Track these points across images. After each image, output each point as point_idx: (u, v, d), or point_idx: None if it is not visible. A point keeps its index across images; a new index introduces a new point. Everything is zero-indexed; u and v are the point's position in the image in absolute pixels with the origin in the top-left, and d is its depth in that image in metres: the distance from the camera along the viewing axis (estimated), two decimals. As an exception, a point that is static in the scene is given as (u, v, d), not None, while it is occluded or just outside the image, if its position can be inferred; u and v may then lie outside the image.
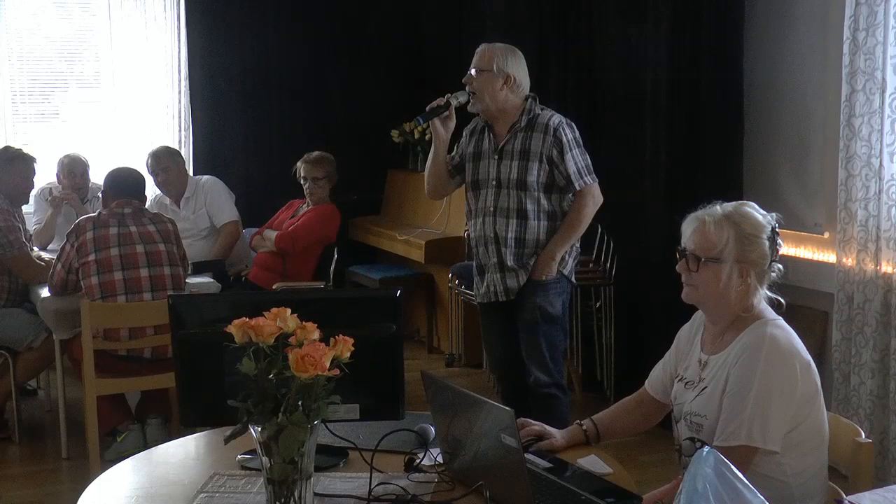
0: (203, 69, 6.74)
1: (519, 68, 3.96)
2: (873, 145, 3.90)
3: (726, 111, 4.66)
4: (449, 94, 3.86)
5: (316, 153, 5.66)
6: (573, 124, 3.96)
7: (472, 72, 3.91)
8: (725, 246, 2.30)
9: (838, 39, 4.05)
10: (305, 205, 5.68)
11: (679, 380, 2.46)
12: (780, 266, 2.36)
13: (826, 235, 4.40)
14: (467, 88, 3.91)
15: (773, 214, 2.37)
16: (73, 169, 5.80)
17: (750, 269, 2.30)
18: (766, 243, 2.31)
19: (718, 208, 2.35)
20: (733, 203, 2.37)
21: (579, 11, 5.54)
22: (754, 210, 2.36)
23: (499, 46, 3.98)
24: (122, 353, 4.45)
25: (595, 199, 3.98)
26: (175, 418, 4.55)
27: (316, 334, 1.95)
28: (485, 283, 4.02)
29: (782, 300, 2.37)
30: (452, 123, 3.90)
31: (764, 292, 2.35)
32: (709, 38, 4.69)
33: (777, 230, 2.34)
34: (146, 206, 4.78)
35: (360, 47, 7.19)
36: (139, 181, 4.76)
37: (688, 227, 2.37)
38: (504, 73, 3.91)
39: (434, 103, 3.84)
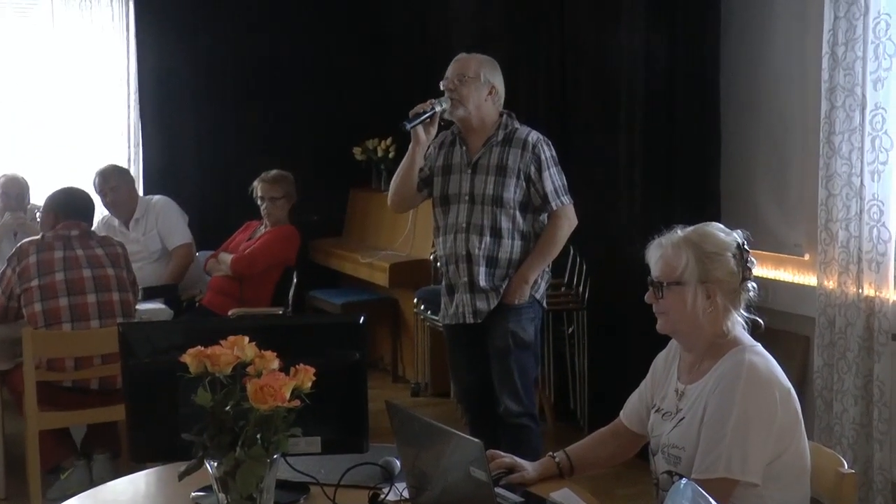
0: (155, 83, 6.72)
1: (500, 80, 4.04)
2: (854, 163, 3.95)
3: (703, 128, 4.71)
4: (433, 100, 3.89)
5: (274, 172, 5.66)
6: (550, 143, 4.02)
7: (456, 78, 3.94)
8: (686, 267, 2.34)
9: (817, 54, 4.11)
10: (263, 226, 5.67)
11: (656, 410, 2.48)
12: (755, 285, 2.39)
13: (806, 257, 4.45)
14: (447, 94, 3.94)
15: (739, 231, 2.41)
16: (9, 190, 5.75)
17: (716, 288, 2.33)
18: (732, 260, 2.35)
19: (679, 231, 2.40)
20: (696, 225, 2.41)
21: (550, 23, 5.58)
22: (716, 229, 2.40)
23: (481, 56, 4.05)
24: (67, 385, 4.40)
25: (570, 220, 4.03)
26: (124, 453, 4.51)
27: (275, 363, 1.95)
28: (454, 304, 4.04)
29: (761, 321, 2.41)
30: (434, 129, 3.93)
31: (739, 316, 2.38)
32: (684, 52, 4.74)
33: (745, 247, 2.38)
34: (93, 229, 4.75)
35: (321, 61, 7.20)
36: (89, 202, 4.74)
37: (651, 256, 2.42)
38: (490, 84, 3.98)
39: (419, 108, 3.87)
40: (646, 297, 2.41)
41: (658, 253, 2.40)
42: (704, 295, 2.34)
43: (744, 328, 2.39)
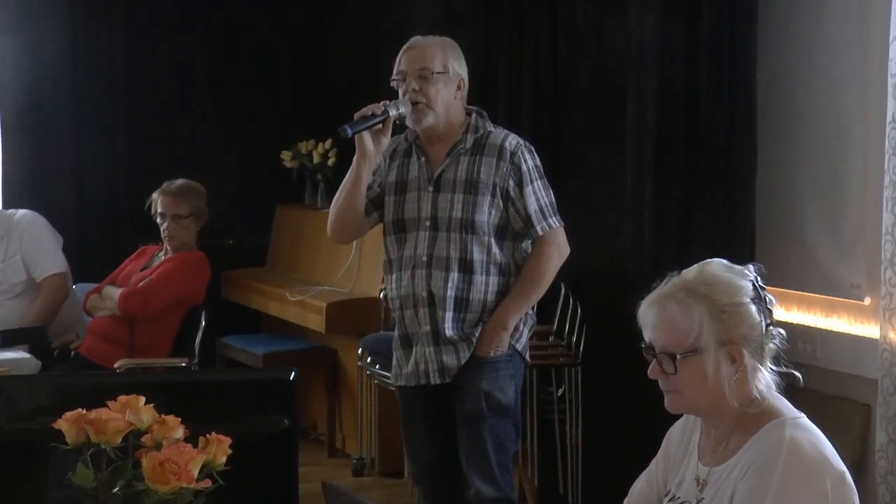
0: (19, 68, 6.66)
1: (465, 69, 4.06)
2: (928, 181, 4.00)
3: (732, 134, 4.74)
4: (386, 102, 3.91)
5: (179, 182, 5.65)
6: (533, 149, 4.04)
7: (417, 75, 3.95)
8: (701, 330, 2.35)
9: (883, 40, 4.16)
10: (163, 252, 5.67)
11: (670, 499, 2.49)
12: (781, 330, 2.41)
13: (867, 301, 4.49)
14: (407, 97, 3.96)
15: (750, 265, 2.43)
16: None
17: (741, 348, 2.36)
18: (752, 307, 2.37)
19: (678, 281, 2.41)
20: (694, 268, 2.43)
21: (538, 1, 5.61)
22: (722, 269, 2.42)
23: (443, 40, 4.07)
24: None
25: (561, 248, 4.05)
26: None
27: (179, 432, 1.94)
28: (412, 360, 4.04)
29: (797, 373, 2.43)
30: (386, 140, 3.95)
31: (768, 372, 2.39)
32: (711, 36, 4.78)
33: (760, 284, 2.40)
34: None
35: (241, 41, 7.21)
36: None
37: (647, 318, 2.43)
38: (458, 76, 4.01)
39: (367, 110, 3.88)
40: (650, 372, 2.42)
41: (656, 313, 2.40)
42: (728, 360, 2.36)
43: (778, 391, 2.40)
